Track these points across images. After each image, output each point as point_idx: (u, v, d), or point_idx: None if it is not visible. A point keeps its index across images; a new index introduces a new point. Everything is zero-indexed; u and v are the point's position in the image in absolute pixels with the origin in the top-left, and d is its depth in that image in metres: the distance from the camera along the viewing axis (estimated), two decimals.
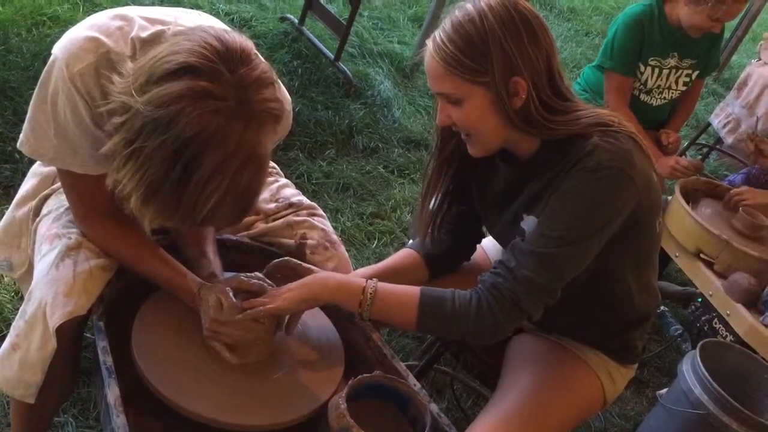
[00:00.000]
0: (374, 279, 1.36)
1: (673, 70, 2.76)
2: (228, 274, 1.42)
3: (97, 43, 1.22)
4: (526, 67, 1.28)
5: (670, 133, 2.76)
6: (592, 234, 1.30)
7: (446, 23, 1.32)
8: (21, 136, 1.31)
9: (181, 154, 1.03)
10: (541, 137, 1.36)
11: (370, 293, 1.33)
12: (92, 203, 1.36)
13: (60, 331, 1.28)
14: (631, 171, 1.28)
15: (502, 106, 1.30)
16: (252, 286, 1.36)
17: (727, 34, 5.15)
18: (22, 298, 1.80)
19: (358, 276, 1.50)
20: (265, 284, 1.37)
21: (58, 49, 1.24)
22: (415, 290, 1.35)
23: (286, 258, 1.46)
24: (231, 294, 1.32)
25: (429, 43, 1.34)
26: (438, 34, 1.32)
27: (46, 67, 1.25)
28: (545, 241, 1.29)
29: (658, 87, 2.78)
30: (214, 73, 1.04)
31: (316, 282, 1.35)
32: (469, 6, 1.31)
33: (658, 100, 2.82)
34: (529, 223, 1.37)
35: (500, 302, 1.30)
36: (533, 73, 1.29)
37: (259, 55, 1.15)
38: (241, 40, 1.11)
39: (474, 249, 1.73)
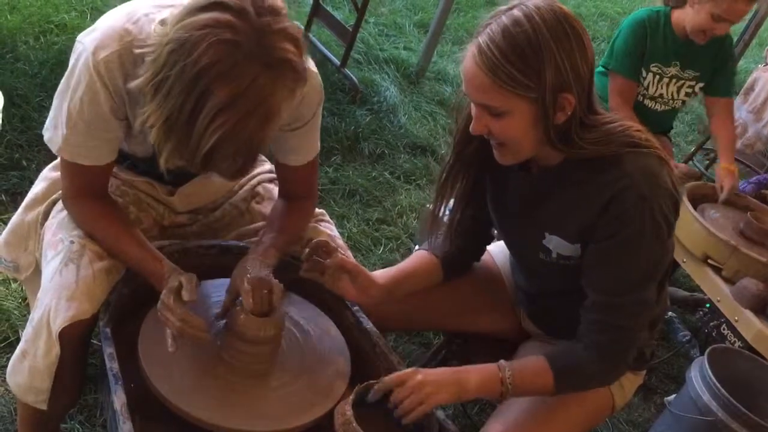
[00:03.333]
0: (504, 363, 1.35)
1: (674, 80, 2.73)
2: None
3: (123, 32, 1.25)
4: (576, 83, 1.25)
5: (731, 175, 2.61)
6: (663, 258, 1.36)
7: (493, 29, 1.23)
8: (47, 121, 1.35)
9: (196, 83, 1.08)
10: (570, 155, 1.33)
11: (510, 382, 1.33)
12: (85, 187, 1.39)
13: (64, 336, 1.29)
14: (667, 189, 1.30)
15: (545, 121, 1.26)
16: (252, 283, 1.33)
17: (733, 39, 5.12)
18: (29, 305, 1.80)
19: (378, 280, 1.49)
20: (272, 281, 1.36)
21: (86, 40, 1.27)
22: (542, 360, 1.36)
23: (325, 240, 1.46)
24: (194, 283, 1.29)
25: (473, 48, 1.25)
26: (484, 40, 1.23)
27: (72, 56, 1.29)
28: (630, 287, 1.33)
29: (661, 96, 2.76)
30: (241, 11, 1.09)
31: (456, 385, 1.32)
32: (517, 13, 1.22)
33: (662, 106, 2.81)
34: (554, 242, 1.39)
35: (622, 352, 1.36)
36: (580, 89, 1.26)
37: (293, 21, 1.17)
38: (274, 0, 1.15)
39: (484, 250, 1.72)
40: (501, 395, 1.34)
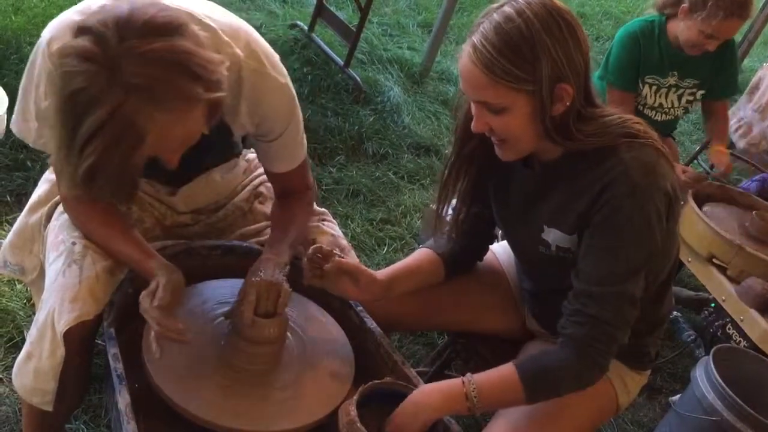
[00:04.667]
0: (470, 378, 1.32)
1: (673, 89, 2.69)
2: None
3: (73, 24, 1.23)
4: (573, 74, 1.25)
5: (724, 155, 2.66)
6: (652, 252, 1.31)
7: (486, 27, 1.25)
8: (13, 115, 1.35)
9: (68, 111, 1.07)
10: (568, 148, 1.33)
11: (474, 396, 1.30)
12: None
13: (69, 337, 1.29)
14: (662, 181, 1.28)
15: (544, 113, 1.27)
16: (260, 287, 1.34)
17: (738, 38, 5.11)
18: (34, 305, 1.81)
19: (379, 276, 1.49)
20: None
21: (46, 31, 1.27)
22: (510, 370, 1.32)
23: (319, 245, 1.45)
24: (169, 287, 1.28)
25: (468, 48, 1.27)
26: (478, 39, 1.25)
27: (33, 50, 1.28)
28: (613, 278, 1.30)
29: (661, 106, 2.73)
30: (100, 37, 1.06)
31: (421, 409, 1.29)
32: (509, 9, 1.24)
33: (663, 115, 2.77)
34: (552, 235, 1.39)
35: (598, 348, 1.31)
36: (577, 80, 1.26)
37: (199, 39, 1.13)
38: (169, 17, 1.10)
39: (487, 250, 1.72)
40: (468, 411, 1.30)
